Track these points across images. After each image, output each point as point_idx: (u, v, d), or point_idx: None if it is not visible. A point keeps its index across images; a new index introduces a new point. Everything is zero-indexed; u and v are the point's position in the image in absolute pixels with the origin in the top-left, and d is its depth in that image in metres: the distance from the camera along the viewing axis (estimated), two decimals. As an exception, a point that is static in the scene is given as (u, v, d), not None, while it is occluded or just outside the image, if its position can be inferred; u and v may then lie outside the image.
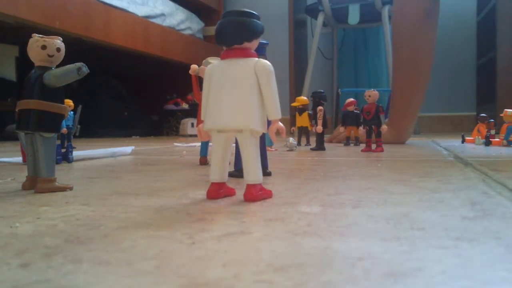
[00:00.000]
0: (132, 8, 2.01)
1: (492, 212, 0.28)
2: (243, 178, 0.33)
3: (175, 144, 1.35)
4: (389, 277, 0.16)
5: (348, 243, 0.21)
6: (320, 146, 0.95)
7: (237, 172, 0.47)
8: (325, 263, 0.18)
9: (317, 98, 0.96)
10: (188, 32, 2.52)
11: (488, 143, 1.04)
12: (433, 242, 0.21)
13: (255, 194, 0.33)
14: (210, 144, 0.65)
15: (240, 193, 0.35)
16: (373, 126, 0.88)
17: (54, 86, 0.38)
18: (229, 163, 0.35)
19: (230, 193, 0.35)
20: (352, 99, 1.09)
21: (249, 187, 0.33)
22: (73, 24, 1.66)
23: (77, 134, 0.71)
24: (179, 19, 2.42)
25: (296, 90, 2.51)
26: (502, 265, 0.18)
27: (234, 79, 0.32)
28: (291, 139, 0.99)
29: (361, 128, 0.97)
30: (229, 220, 0.26)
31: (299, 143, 1.16)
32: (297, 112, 1.14)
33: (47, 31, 1.54)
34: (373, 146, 0.89)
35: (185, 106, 2.63)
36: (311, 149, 0.97)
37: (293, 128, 1.18)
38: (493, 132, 1.09)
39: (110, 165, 0.66)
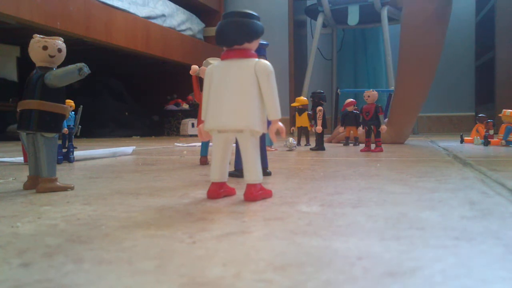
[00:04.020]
0: (133, 9, 2.01)
1: (491, 212, 0.28)
2: (243, 178, 0.33)
3: (176, 144, 1.35)
4: (388, 276, 0.16)
5: (347, 242, 0.21)
6: (319, 146, 0.95)
7: (237, 172, 0.47)
8: (325, 262, 0.18)
9: (316, 99, 0.96)
10: (188, 33, 2.52)
11: (486, 143, 1.04)
12: (432, 241, 0.21)
13: (255, 194, 0.33)
14: (210, 144, 0.65)
15: (240, 193, 0.35)
16: (372, 126, 0.88)
17: (55, 86, 0.38)
18: (229, 163, 0.35)
19: (230, 192, 0.35)
20: (351, 99, 1.09)
21: (249, 186, 0.33)
22: (74, 24, 1.66)
23: (78, 134, 0.71)
24: (179, 20, 2.42)
25: (296, 90, 2.51)
26: (501, 264, 0.18)
27: (234, 80, 0.32)
28: (290, 139, 0.99)
29: (360, 128, 0.98)
30: (229, 220, 0.26)
31: (298, 143, 1.16)
32: (296, 112, 1.14)
33: (48, 32, 1.55)
34: (372, 146, 0.89)
35: (185, 106, 2.63)
36: (310, 149, 0.97)
37: (292, 128, 1.18)
38: (491, 132, 1.09)
39: (111, 165, 0.66)
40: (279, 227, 0.24)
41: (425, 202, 0.32)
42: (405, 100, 1.18)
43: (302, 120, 1.12)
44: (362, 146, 0.97)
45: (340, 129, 1.15)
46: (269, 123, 0.33)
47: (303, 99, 1.13)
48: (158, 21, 2.21)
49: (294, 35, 2.58)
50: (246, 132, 0.32)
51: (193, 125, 2.40)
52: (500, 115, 1.04)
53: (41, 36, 0.39)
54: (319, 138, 0.96)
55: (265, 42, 0.45)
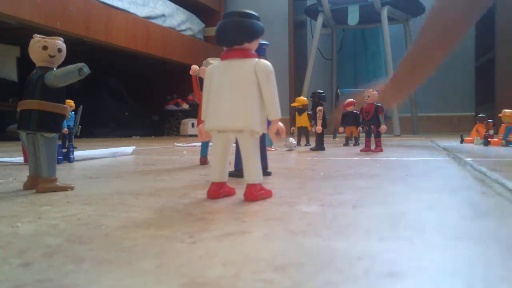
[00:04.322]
0: (133, 9, 2.01)
1: (491, 212, 0.28)
2: (243, 178, 0.33)
3: (176, 144, 1.35)
4: (388, 276, 0.16)
5: (347, 242, 0.21)
6: (319, 146, 0.95)
7: (237, 172, 0.47)
8: (325, 262, 0.18)
9: (316, 99, 0.96)
10: (188, 33, 2.52)
11: (486, 143, 1.04)
12: (432, 241, 0.21)
13: (255, 194, 0.33)
14: (210, 144, 0.65)
15: (240, 193, 0.35)
16: (372, 126, 0.88)
17: (55, 86, 0.38)
18: (229, 163, 0.35)
19: (230, 192, 0.35)
20: (351, 99, 1.09)
21: (249, 186, 0.33)
22: (74, 24, 1.66)
23: (78, 134, 0.71)
24: (179, 20, 2.42)
25: (296, 90, 2.51)
26: (501, 264, 0.18)
27: (234, 80, 0.32)
28: (290, 139, 0.99)
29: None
30: (229, 220, 0.26)
31: (298, 143, 1.16)
32: (296, 112, 1.14)
33: (48, 32, 1.55)
34: (372, 146, 0.89)
35: (185, 106, 2.63)
36: (310, 149, 0.97)
37: (292, 128, 1.18)
38: (491, 132, 1.09)
39: (111, 165, 0.66)
40: (279, 227, 0.24)
41: (425, 202, 0.32)
42: (419, 59, 1.13)
43: (302, 120, 1.12)
44: (362, 146, 0.97)
45: (340, 129, 1.15)
46: (269, 123, 0.33)
47: (303, 99, 1.13)
48: (158, 21, 2.21)
49: (294, 35, 2.58)
50: (246, 132, 0.32)
51: (193, 125, 2.40)
52: (500, 115, 1.04)
53: (41, 36, 0.39)
54: (319, 138, 0.96)
55: (265, 42, 0.45)
